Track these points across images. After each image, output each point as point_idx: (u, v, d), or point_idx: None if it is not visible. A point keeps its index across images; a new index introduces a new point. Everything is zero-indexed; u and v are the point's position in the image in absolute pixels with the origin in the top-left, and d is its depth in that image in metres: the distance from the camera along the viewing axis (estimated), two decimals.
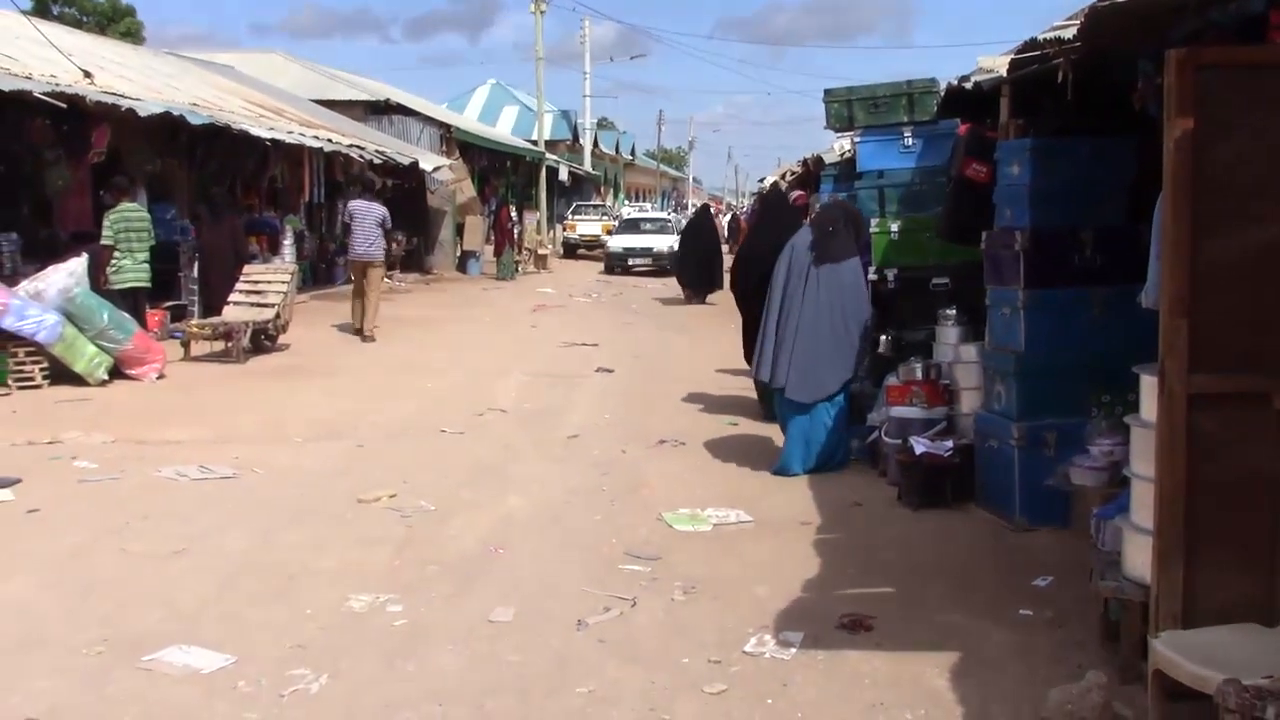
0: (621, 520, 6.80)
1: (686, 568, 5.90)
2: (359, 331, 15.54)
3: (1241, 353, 3.94)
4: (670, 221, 35.40)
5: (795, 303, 7.96)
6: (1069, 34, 5.48)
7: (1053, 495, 6.34)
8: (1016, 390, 6.57)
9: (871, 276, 8.98)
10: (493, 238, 29.80)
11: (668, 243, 31.08)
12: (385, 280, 18.05)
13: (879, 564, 5.98)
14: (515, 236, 30.32)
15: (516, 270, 28.82)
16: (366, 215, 15.91)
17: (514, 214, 31.22)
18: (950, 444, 7.14)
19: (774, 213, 10.58)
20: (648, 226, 34.76)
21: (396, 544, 6.25)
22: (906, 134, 8.89)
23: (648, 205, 57.21)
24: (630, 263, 31.61)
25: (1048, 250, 6.48)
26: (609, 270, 31.59)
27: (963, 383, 7.46)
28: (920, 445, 7.12)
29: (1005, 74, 6.62)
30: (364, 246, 15.79)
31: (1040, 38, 5.95)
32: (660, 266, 30.35)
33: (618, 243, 32.82)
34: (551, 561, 5.98)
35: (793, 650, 4.80)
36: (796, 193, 10.36)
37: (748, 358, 9.91)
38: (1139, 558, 4.41)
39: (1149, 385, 4.34)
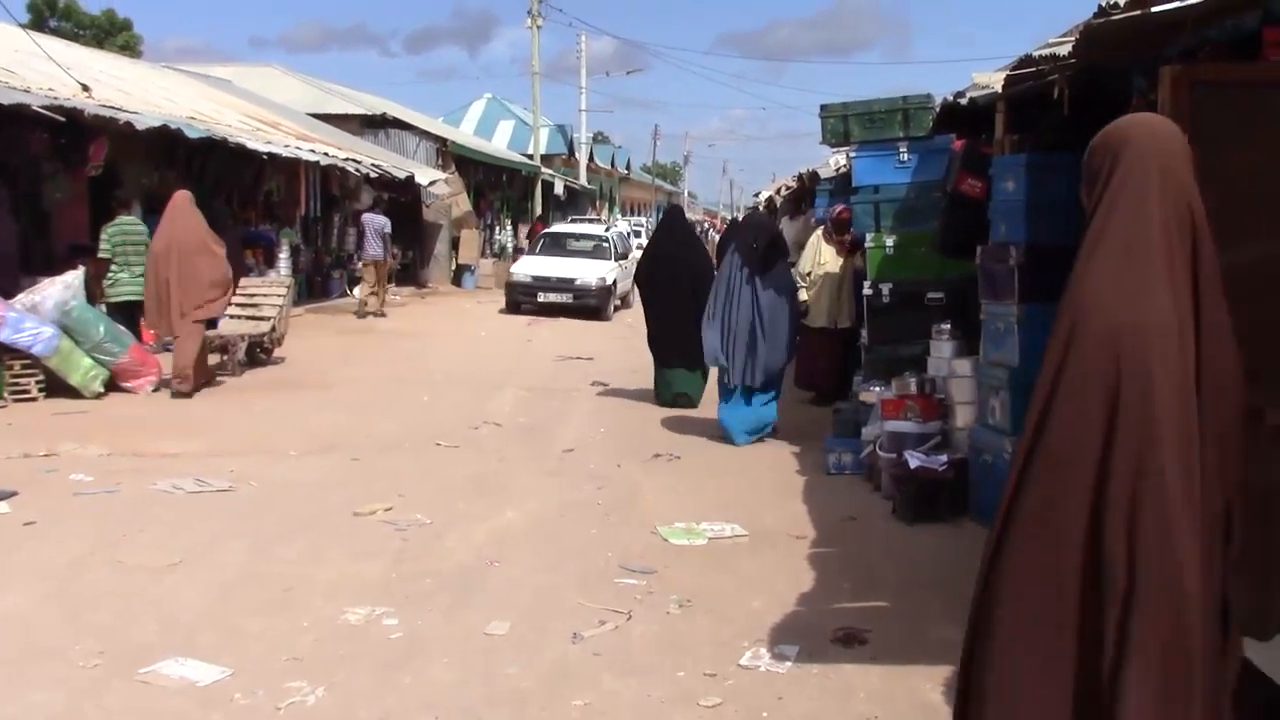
0: (617, 534, 6.81)
1: (682, 581, 5.91)
2: (370, 313, 19.92)
3: None
4: (608, 243, 24.58)
5: (736, 309, 9.46)
6: (1064, 50, 5.52)
7: None
8: (1011, 404, 6.59)
9: (866, 291, 9.04)
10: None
11: (599, 272, 22.38)
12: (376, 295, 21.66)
13: (874, 578, 5.99)
14: None
15: None
16: (373, 224, 20.57)
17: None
18: (945, 458, 7.16)
19: (673, 227, 12.23)
20: (576, 245, 24.54)
21: (392, 557, 6.25)
22: (902, 149, 8.95)
23: (643, 219, 57.23)
24: (540, 298, 21.96)
25: (1043, 265, 6.50)
26: (512, 307, 22.29)
27: (957, 397, 7.48)
28: (915, 459, 7.14)
29: (1001, 90, 6.67)
30: (372, 250, 20.46)
31: (1035, 54, 5.99)
32: (586, 305, 21.84)
33: (524, 269, 23.05)
34: (547, 575, 5.99)
35: (788, 664, 4.81)
36: (840, 206, 10.66)
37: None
38: None
39: None
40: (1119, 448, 2.59)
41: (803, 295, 10.84)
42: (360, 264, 21.52)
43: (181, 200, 11.77)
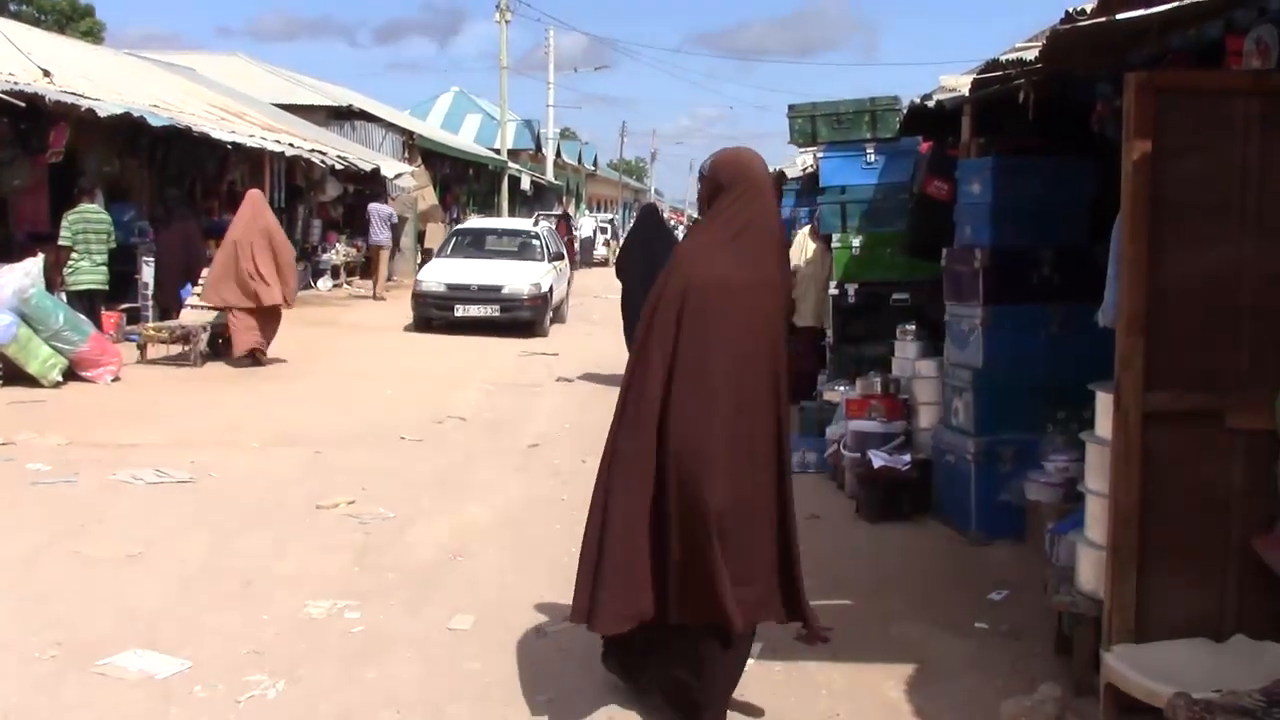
0: (581, 529, 6.77)
1: None
2: (374, 296, 22.13)
3: (1196, 371, 4.02)
4: (539, 240, 20.00)
5: None
6: (1031, 55, 5.56)
7: (1008, 510, 6.43)
8: (974, 406, 6.64)
9: (832, 291, 9.08)
10: None
11: (531, 277, 17.89)
12: (345, 286, 23.69)
13: (837, 576, 6.01)
14: (574, 251, 28.11)
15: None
16: (379, 214, 22.89)
17: (571, 228, 28.85)
18: (908, 458, 7.20)
19: (649, 227, 12.84)
20: (498, 244, 20.00)
21: (355, 551, 6.23)
22: (869, 150, 8.98)
23: (610, 216, 57.18)
24: (458, 312, 17.34)
25: (1007, 268, 6.57)
26: (420, 324, 17.72)
27: (921, 398, 7.53)
28: (878, 459, 7.18)
29: (968, 93, 6.71)
30: (376, 236, 22.91)
31: (1002, 59, 6.04)
32: (517, 319, 17.46)
33: (435, 275, 18.16)
34: (511, 570, 5.98)
35: (751, 660, 4.80)
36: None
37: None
38: (1092, 572, 4.48)
39: (1105, 403, 4.42)
40: (680, 362, 3.91)
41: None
42: (367, 247, 23.72)
43: (260, 197, 13.77)
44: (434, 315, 17.58)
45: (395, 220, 22.94)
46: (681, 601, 3.96)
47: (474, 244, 19.84)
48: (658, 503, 3.97)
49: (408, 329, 17.78)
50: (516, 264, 18.63)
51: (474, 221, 24.36)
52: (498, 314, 17.40)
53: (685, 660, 4.08)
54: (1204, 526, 4.05)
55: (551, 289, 18.50)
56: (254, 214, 13.11)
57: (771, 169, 18.37)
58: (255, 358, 12.99)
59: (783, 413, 4.11)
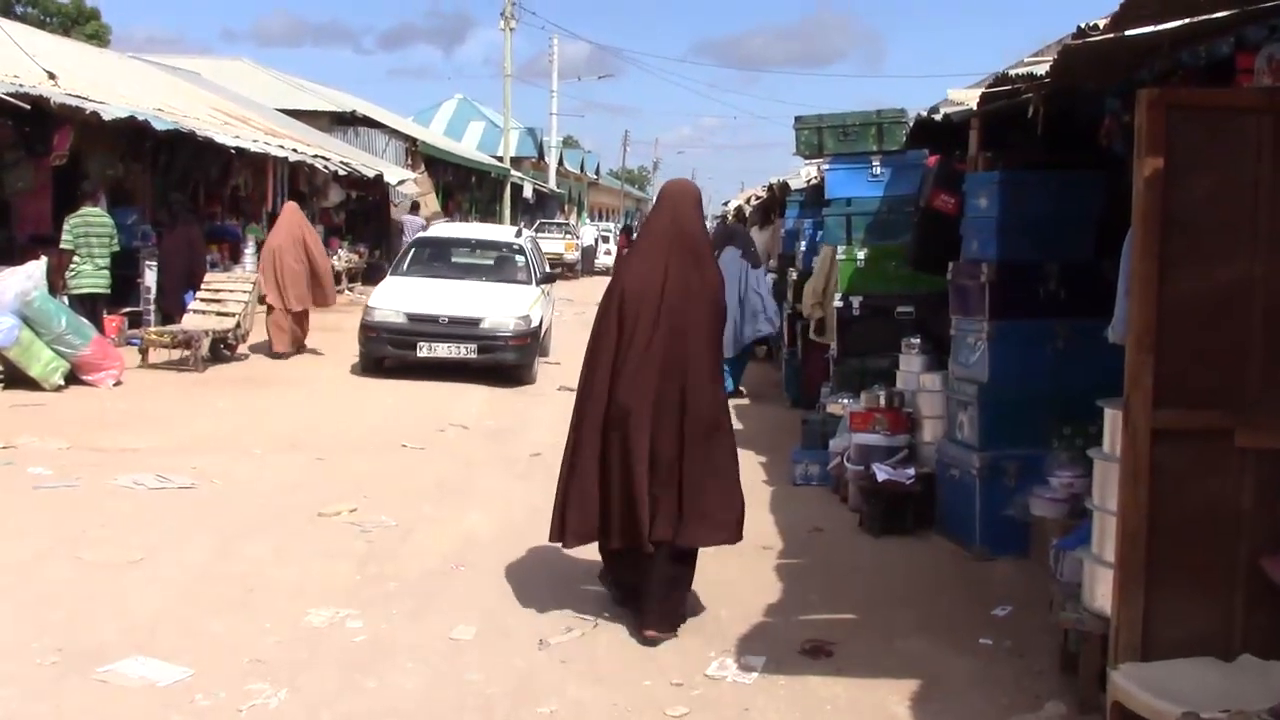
0: None
1: None
2: None
3: (1205, 389, 4.00)
4: (524, 255, 15.03)
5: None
6: (1040, 70, 5.56)
7: (1012, 525, 6.40)
8: (979, 420, 6.63)
9: (837, 303, 9.06)
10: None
11: (517, 307, 13.39)
12: (347, 293, 22.41)
13: (840, 590, 6.00)
14: None
15: None
16: (411, 224, 24.36)
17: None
18: (912, 472, 7.18)
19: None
20: (470, 260, 15.50)
21: (357, 559, 6.20)
22: (875, 163, 8.98)
23: (611, 225, 57.16)
24: (423, 351, 12.90)
25: (1013, 282, 6.55)
26: (369, 365, 13.36)
27: (926, 411, 7.51)
28: (882, 472, 7.16)
29: (975, 107, 6.71)
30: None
31: (1011, 73, 6.03)
32: (501, 362, 13.14)
33: (391, 302, 13.45)
34: (513, 580, 5.96)
35: (754, 675, 4.81)
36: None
37: None
38: (1099, 589, 4.47)
39: (1113, 419, 4.40)
40: (620, 345, 5.25)
41: (818, 313, 10.45)
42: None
43: (296, 207, 15.56)
44: (389, 354, 13.23)
45: (424, 232, 25.46)
46: (620, 528, 5.21)
47: (439, 258, 15.10)
48: (604, 453, 5.24)
49: (353, 370, 13.57)
50: (497, 288, 14.10)
51: (440, 229, 18.72)
52: (474, 355, 13.04)
53: (635, 570, 5.27)
54: (1212, 545, 4.03)
55: (541, 321, 14.06)
56: (294, 223, 14.65)
57: (775, 180, 18.31)
58: (298, 349, 14.51)
59: (691, 381, 5.20)
